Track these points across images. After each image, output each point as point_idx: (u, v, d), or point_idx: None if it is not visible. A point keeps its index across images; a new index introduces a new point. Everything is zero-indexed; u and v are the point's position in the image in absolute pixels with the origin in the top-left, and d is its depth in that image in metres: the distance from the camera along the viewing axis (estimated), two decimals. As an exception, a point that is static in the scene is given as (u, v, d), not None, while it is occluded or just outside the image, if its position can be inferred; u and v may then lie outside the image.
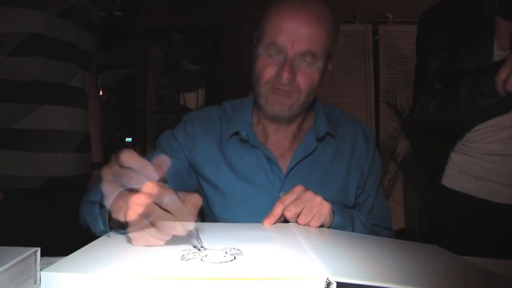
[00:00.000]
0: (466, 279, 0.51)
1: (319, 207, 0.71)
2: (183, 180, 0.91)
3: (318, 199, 0.71)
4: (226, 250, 0.51)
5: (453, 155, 1.15)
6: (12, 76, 1.01)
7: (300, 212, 0.70)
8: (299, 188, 0.72)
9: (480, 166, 1.07)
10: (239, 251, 0.51)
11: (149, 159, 0.55)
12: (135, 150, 0.51)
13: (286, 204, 0.70)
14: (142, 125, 3.39)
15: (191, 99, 4.25)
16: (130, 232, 0.52)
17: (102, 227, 0.63)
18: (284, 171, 0.87)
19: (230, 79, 3.07)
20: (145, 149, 3.30)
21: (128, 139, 4.05)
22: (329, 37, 0.81)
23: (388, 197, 2.87)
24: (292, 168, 0.87)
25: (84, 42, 1.16)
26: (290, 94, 0.81)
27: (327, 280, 0.40)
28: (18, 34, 0.99)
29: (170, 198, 0.48)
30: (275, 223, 0.71)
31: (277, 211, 0.70)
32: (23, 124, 1.01)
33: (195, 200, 0.52)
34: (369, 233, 0.82)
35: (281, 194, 0.84)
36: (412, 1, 1.15)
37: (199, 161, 0.90)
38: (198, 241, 0.52)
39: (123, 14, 3.96)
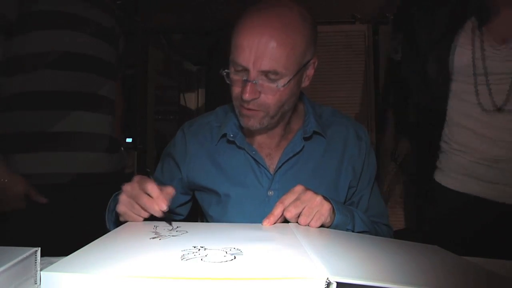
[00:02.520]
0: (466, 279, 0.51)
1: (319, 207, 0.71)
2: (180, 192, 0.95)
3: (318, 199, 0.71)
4: (226, 250, 0.51)
5: (440, 152, 1.16)
6: (50, 87, 1.17)
7: (300, 212, 0.70)
8: (299, 188, 0.72)
9: (460, 164, 1.09)
10: (239, 251, 0.51)
11: (158, 180, 0.91)
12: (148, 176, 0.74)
13: (286, 205, 0.70)
14: (142, 125, 3.39)
15: (191, 99, 4.25)
16: (118, 208, 0.73)
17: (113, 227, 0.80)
18: (272, 170, 0.88)
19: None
20: (145, 149, 3.31)
21: (128, 139, 4.05)
22: (299, 49, 0.77)
23: (388, 197, 2.87)
24: (280, 167, 0.88)
25: (109, 56, 1.33)
26: (257, 111, 0.80)
27: (327, 280, 0.40)
28: (56, 51, 1.17)
29: (151, 186, 0.69)
30: (275, 223, 0.71)
31: (277, 211, 0.71)
32: (59, 127, 1.18)
33: (169, 190, 0.72)
34: (369, 230, 0.83)
35: (270, 193, 0.87)
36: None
37: (192, 171, 0.92)
38: (169, 222, 0.69)
39: (123, 14, 3.96)
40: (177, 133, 0.98)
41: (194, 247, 0.53)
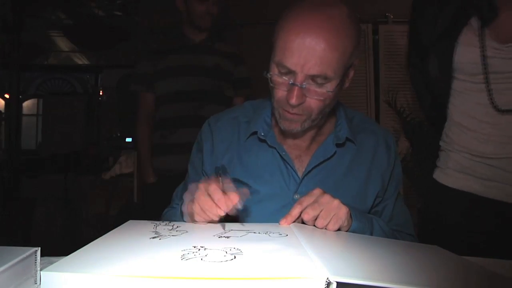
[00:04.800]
0: (466, 279, 0.51)
1: (337, 211, 0.70)
2: None
3: (336, 202, 0.71)
4: (226, 250, 0.51)
5: (440, 151, 1.16)
6: (165, 114, 1.75)
7: (318, 215, 0.70)
8: (317, 191, 0.72)
9: (458, 162, 1.09)
10: (239, 251, 0.51)
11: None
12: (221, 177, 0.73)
13: (304, 206, 0.70)
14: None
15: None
16: (183, 207, 0.76)
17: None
18: (301, 173, 0.85)
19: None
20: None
21: (128, 139, 4.05)
22: (347, 50, 0.73)
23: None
24: (309, 171, 0.85)
25: (222, 90, 1.78)
26: (300, 115, 0.78)
27: (327, 280, 0.40)
28: (183, 91, 1.72)
29: (213, 188, 0.68)
30: (292, 223, 0.71)
31: (295, 212, 0.71)
32: (172, 139, 1.72)
33: (233, 196, 0.67)
34: (388, 237, 0.80)
35: (296, 197, 0.83)
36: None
37: (218, 163, 0.88)
38: (223, 227, 0.69)
39: (123, 14, 3.96)
40: (203, 127, 0.94)
41: (194, 247, 0.53)
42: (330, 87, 0.74)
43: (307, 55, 0.70)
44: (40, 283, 0.45)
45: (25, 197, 3.16)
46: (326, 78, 0.73)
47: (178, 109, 1.71)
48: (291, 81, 0.73)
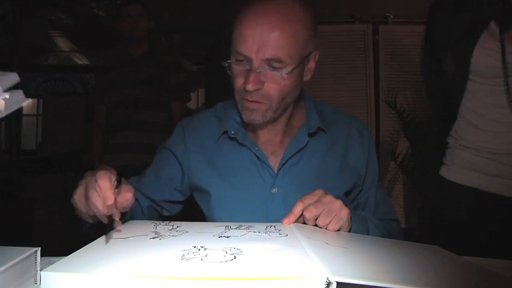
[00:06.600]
0: (466, 279, 0.51)
1: (338, 211, 0.71)
2: (176, 188, 0.93)
3: (338, 203, 0.71)
4: (226, 250, 0.51)
5: (447, 149, 1.17)
6: (112, 120, 2.02)
7: (320, 214, 0.70)
8: (319, 191, 0.73)
9: (464, 159, 1.09)
10: (239, 251, 0.51)
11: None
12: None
13: (306, 204, 0.71)
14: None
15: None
16: (73, 199, 0.69)
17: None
18: (276, 167, 0.87)
19: (230, 79, 3.07)
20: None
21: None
22: (301, 38, 0.77)
23: (388, 197, 2.87)
24: (284, 164, 0.87)
25: (157, 96, 2.06)
26: (260, 102, 0.79)
27: (327, 280, 0.40)
28: (123, 100, 2.00)
29: (102, 178, 0.62)
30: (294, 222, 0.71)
31: (297, 210, 0.71)
32: (117, 140, 1.99)
33: (128, 195, 0.65)
34: (382, 234, 0.82)
35: (273, 191, 0.86)
36: (412, 1, 1.15)
37: (192, 166, 0.90)
38: (105, 219, 0.62)
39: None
40: (176, 129, 0.96)
41: (194, 247, 0.53)
42: (285, 71, 0.76)
43: (260, 39, 0.74)
44: (40, 283, 0.45)
45: (25, 197, 3.16)
46: (281, 62, 0.76)
47: (121, 115, 1.99)
48: (247, 67, 0.76)
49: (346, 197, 0.90)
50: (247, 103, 0.80)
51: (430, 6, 1.18)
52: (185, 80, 2.11)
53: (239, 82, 0.79)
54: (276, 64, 0.76)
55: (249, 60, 0.76)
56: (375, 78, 3.08)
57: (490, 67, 1.03)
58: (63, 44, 5.01)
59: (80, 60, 5.35)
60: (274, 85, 0.78)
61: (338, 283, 0.40)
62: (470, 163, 1.10)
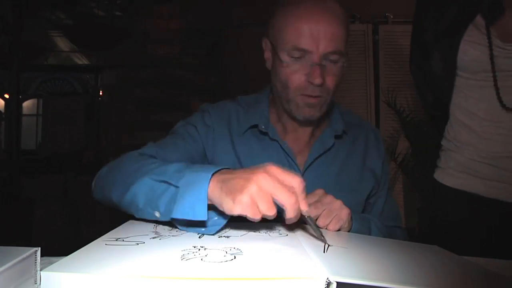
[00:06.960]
0: (466, 279, 0.51)
1: (338, 211, 0.71)
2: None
3: (338, 203, 0.71)
4: (226, 250, 0.51)
5: (441, 151, 1.16)
6: None
7: (320, 214, 0.70)
8: (319, 191, 0.73)
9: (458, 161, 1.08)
10: (239, 251, 0.51)
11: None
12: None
13: None
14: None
15: (191, 99, 4.25)
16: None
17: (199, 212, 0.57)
18: (302, 168, 0.86)
19: (231, 79, 3.07)
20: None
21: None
22: (347, 34, 0.79)
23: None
24: (310, 164, 0.86)
25: None
26: (320, 97, 0.79)
27: (327, 280, 0.40)
28: None
29: (298, 180, 0.56)
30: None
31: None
32: None
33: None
34: (384, 236, 0.82)
35: None
36: (412, 1, 1.15)
37: (216, 153, 0.87)
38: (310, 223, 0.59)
39: (123, 14, 3.96)
40: (200, 110, 0.92)
41: (194, 247, 0.53)
42: (341, 63, 0.77)
43: (319, 34, 0.74)
44: (40, 283, 0.45)
45: (25, 197, 3.16)
46: (340, 53, 0.76)
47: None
48: (310, 62, 0.75)
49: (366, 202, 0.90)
50: (310, 99, 0.78)
51: (416, 0, 1.17)
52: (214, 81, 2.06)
53: (298, 78, 0.78)
54: (334, 57, 0.76)
55: (310, 55, 0.75)
56: (375, 78, 3.08)
57: (476, 61, 1.02)
58: (63, 44, 5.01)
59: (80, 60, 5.35)
60: (334, 77, 0.78)
61: (338, 283, 0.40)
62: (464, 166, 1.08)
